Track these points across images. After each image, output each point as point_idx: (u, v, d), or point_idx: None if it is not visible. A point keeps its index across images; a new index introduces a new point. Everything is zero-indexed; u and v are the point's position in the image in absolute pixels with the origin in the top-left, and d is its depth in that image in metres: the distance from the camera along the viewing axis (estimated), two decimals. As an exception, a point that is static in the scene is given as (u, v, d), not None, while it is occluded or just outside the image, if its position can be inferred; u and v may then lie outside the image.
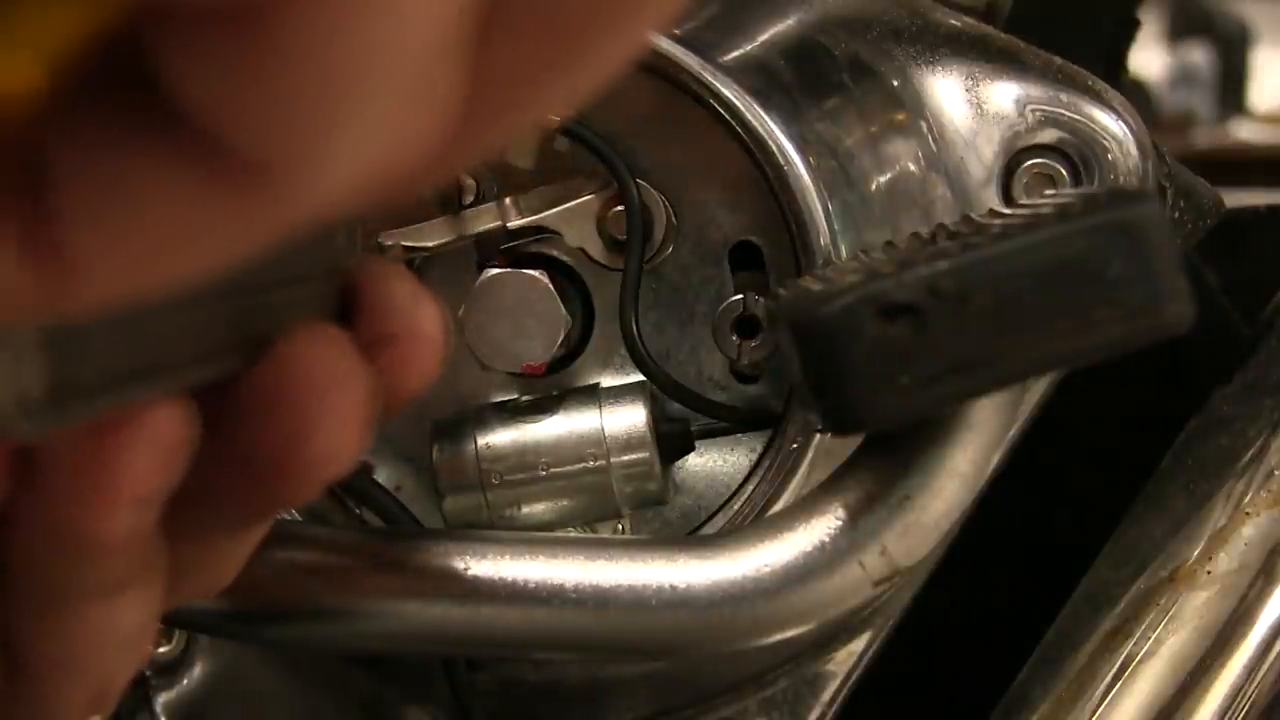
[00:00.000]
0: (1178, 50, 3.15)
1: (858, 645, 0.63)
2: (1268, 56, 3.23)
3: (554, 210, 0.61)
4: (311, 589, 0.53)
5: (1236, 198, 0.69)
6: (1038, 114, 0.61)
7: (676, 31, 0.60)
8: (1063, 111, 0.60)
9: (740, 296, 0.61)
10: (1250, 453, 0.62)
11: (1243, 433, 0.62)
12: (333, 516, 0.62)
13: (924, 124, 0.61)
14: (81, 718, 0.38)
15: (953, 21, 0.62)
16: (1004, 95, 0.61)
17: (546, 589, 0.53)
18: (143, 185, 0.25)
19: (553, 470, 0.61)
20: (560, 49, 0.26)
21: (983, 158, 0.61)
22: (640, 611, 0.53)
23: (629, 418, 0.61)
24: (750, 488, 0.62)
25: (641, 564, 0.53)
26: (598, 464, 0.61)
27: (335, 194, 0.25)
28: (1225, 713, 0.57)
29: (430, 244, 0.61)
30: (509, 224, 0.61)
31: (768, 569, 0.52)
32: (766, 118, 0.59)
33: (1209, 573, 0.59)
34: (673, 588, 0.52)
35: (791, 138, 0.59)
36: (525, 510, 0.62)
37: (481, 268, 0.61)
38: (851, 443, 0.53)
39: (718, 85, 0.59)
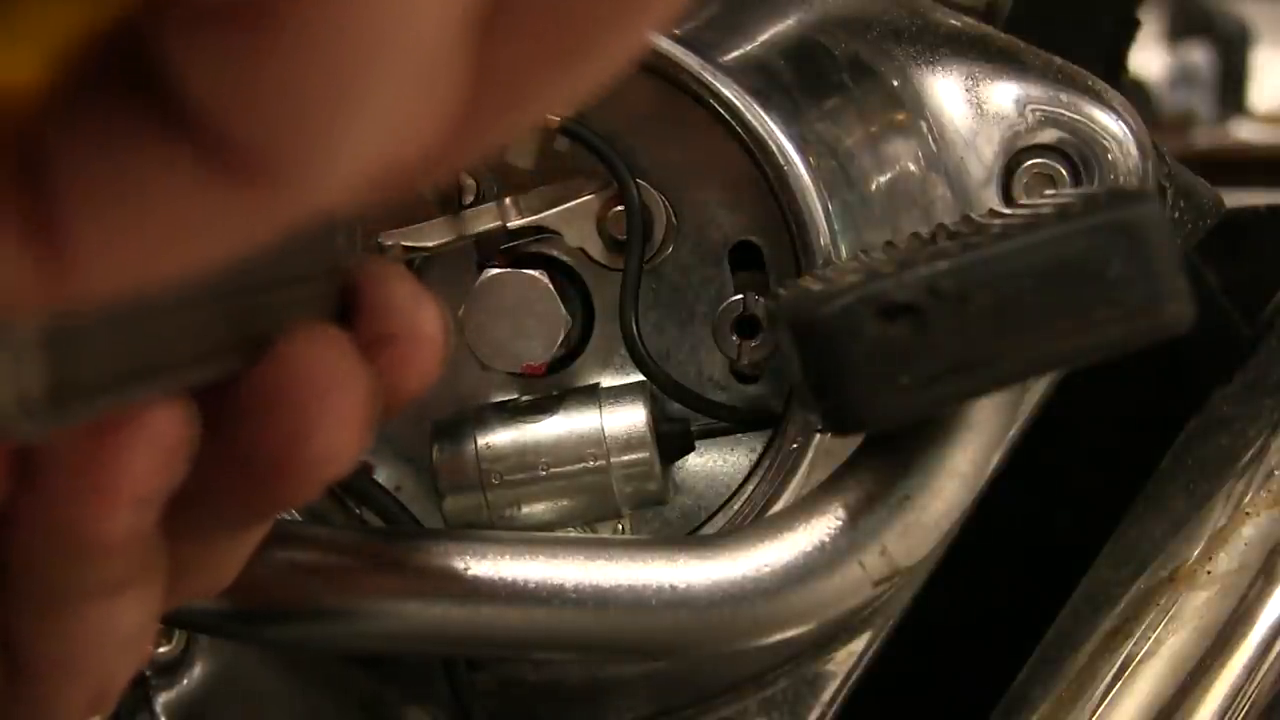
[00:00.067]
0: (1178, 50, 3.15)
1: (858, 645, 0.63)
2: (1268, 56, 3.23)
3: (554, 210, 0.61)
4: (311, 589, 0.53)
5: (1236, 198, 0.69)
6: (1038, 114, 0.61)
7: (676, 31, 0.60)
8: (1063, 111, 0.60)
9: (740, 296, 0.61)
10: (1250, 453, 0.62)
11: (1243, 433, 0.62)
12: (333, 516, 0.62)
13: (924, 124, 0.61)
14: (81, 718, 0.38)
15: (953, 21, 0.62)
16: (1004, 95, 0.61)
17: (546, 589, 0.53)
18: (146, 179, 0.25)
19: (553, 470, 0.61)
20: (563, 47, 0.26)
21: (983, 158, 0.61)
22: (640, 611, 0.53)
23: (629, 418, 0.61)
24: (750, 488, 0.62)
25: (641, 564, 0.53)
26: (598, 464, 0.61)
27: (339, 188, 0.25)
28: (1225, 713, 0.57)
29: (430, 244, 0.61)
30: (509, 224, 0.61)
31: (768, 569, 0.52)
32: (766, 118, 0.59)
33: (1209, 573, 0.59)
34: (673, 588, 0.52)
35: (791, 138, 0.59)
36: (525, 510, 0.62)
37: (481, 268, 0.61)
38: (851, 443, 0.53)
39: (718, 85, 0.59)
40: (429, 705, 0.65)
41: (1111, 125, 0.60)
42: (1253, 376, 0.65)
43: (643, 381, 0.62)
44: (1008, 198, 0.61)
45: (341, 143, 0.24)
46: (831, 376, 0.47)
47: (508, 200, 0.61)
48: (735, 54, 0.61)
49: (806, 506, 0.53)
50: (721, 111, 0.59)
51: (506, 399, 0.63)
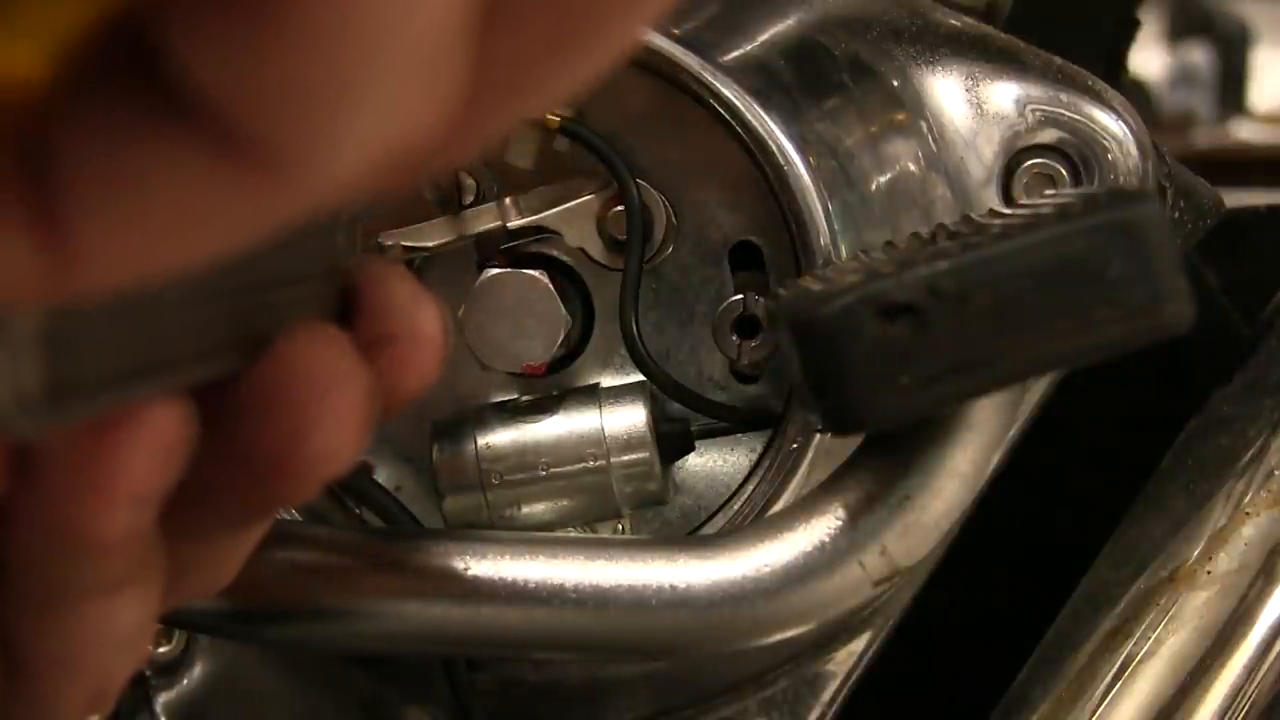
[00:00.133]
0: (1178, 50, 3.15)
1: (858, 645, 0.63)
2: (1268, 56, 3.23)
3: (554, 210, 0.61)
4: (311, 589, 0.53)
5: (1236, 198, 0.69)
6: (1038, 114, 0.61)
7: (676, 31, 0.60)
8: (1063, 111, 0.60)
9: (740, 296, 0.61)
10: (1250, 453, 0.62)
11: (1243, 433, 0.62)
12: (333, 516, 0.62)
13: (924, 124, 0.61)
14: (80, 717, 0.38)
15: (953, 21, 0.62)
16: (1004, 95, 0.61)
17: (546, 589, 0.53)
18: (150, 168, 0.25)
19: (553, 470, 0.61)
20: (562, 37, 0.27)
21: (983, 158, 0.61)
22: (640, 611, 0.53)
23: (629, 418, 0.61)
24: (750, 488, 0.62)
25: (641, 564, 0.53)
26: (598, 464, 0.61)
27: (343, 177, 0.25)
28: (1225, 713, 0.57)
29: (430, 244, 0.61)
30: (509, 224, 0.61)
31: (768, 569, 0.52)
32: (766, 118, 0.59)
33: (1209, 573, 0.59)
34: (673, 588, 0.52)
35: (791, 138, 0.59)
36: (525, 510, 0.62)
37: (481, 268, 0.61)
38: (851, 443, 0.53)
39: (718, 85, 0.59)
40: (429, 705, 0.65)
41: (1111, 125, 0.60)
42: (1253, 376, 0.65)
43: (643, 381, 0.62)
44: (1008, 198, 0.61)
45: (345, 132, 0.24)
46: (831, 376, 0.47)
47: (508, 200, 0.61)
48: (735, 54, 0.61)
49: (806, 506, 0.53)
50: (721, 111, 0.59)
51: (506, 399, 0.63)
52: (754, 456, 0.63)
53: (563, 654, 0.59)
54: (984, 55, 0.62)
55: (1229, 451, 0.62)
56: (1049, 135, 0.61)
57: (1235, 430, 0.63)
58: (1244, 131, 2.99)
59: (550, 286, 0.60)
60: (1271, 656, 0.58)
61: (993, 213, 0.53)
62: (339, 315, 0.37)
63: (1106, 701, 0.58)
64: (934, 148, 0.61)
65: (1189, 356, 0.67)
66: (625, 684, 0.64)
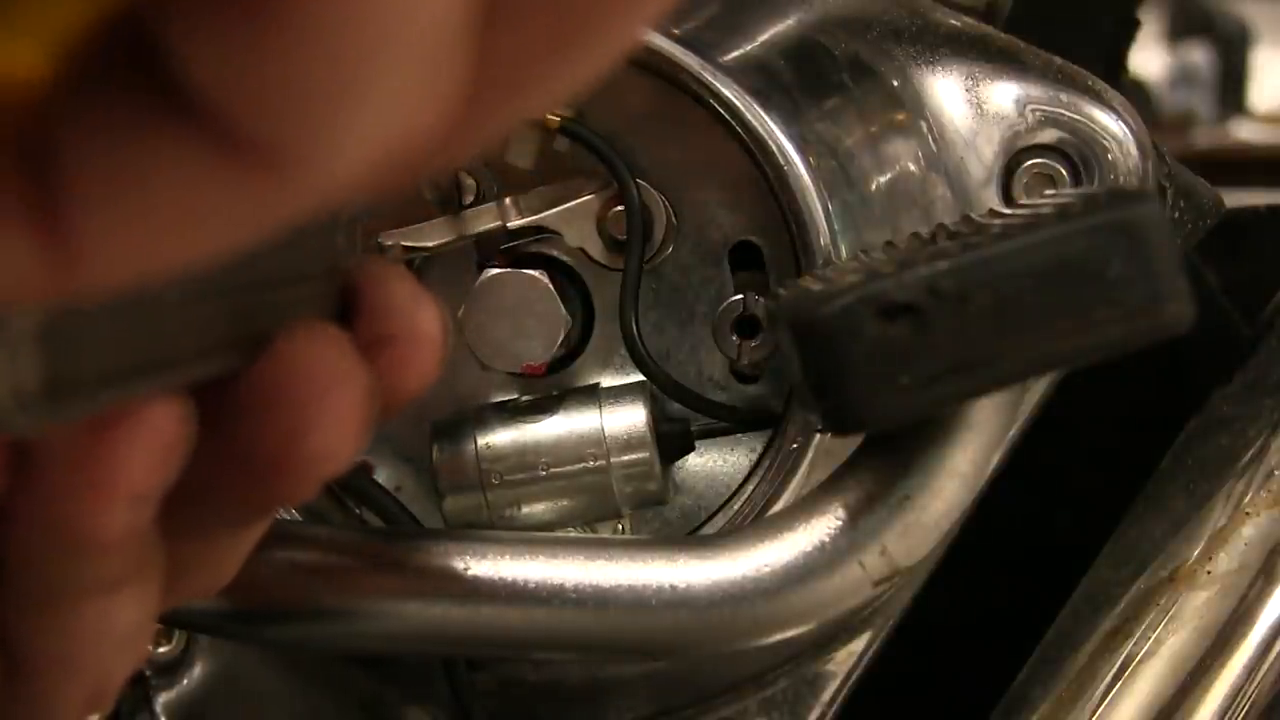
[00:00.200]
0: (1178, 50, 3.15)
1: (858, 645, 0.63)
2: (1268, 56, 3.23)
3: (554, 210, 0.61)
4: (311, 589, 0.53)
5: (1236, 198, 0.69)
6: (1038, 114, 0.61)
7: (676, 31, 0.60)
8: (1063, 111, 0.60)
9: (740, 296, 0.61)
10: (1250, 453, 0.62)
11: (1243, 433, 0.62)
12: (333, 516, 0.62)
13: (924, 124, 0.61)
14: (79, 716, 0.38)
15: (953, 21, 0.62)
16: (1004, 95, 0.61)
17: (546, 589, 0.53)
18: (150, 168, 0.25)
19: (553, 470, 0.61)
20: (563, 35, 0.27)
21: (983, 158, 0.61)
22: (640, 611, 0.53)
23: (629, 418, 0.61)
24: (750, 488, 0.62)
25: (641, 564, 0.53)
26: (598, 464, 0.61)
27: (344, 176, 0.25)
28: (1225, 713, 0.57)
29: (430, 244, 0.61)
30: (509, 224, 0.61)
31: (768, 569, 0.52)
32: (766, 118, 0.59)
33: (1209, 573, 0.59)
34: (673, 588, 0.52)
35: (791, 138, 0.59)
36: (525, 510, 0.62)
37: (481, 268, 0.61)
38: (851, 443, 0.53)
39: (718, 85, 0.59)
40: (429, 705, 0.65)
41: (1111, 125, 0.60)
42: (1253, 376, 0.65)
43: (643, 381, 0.62)
44: (1008, 198, 0.61)
45: (346, 131, 0.24)
46: (831, 376, 0.47)
47: (508, 200, 0.61)
48: (735, 54, 0.61)
49: (806, 506, 0.53)
50: (721, 111, 0.59)
51: (506, 399, 0.63)
52: (754, 456, 0.63)
53: (563, 654, 0.59)
54: (984, 55, 0.62)
55: (1229, 451, 0.62)
56: (1049, 135, 0.61)
57: (1235, 430, 0.63)
58: (1244, 131, 2.99)
59: (550, 286, 0.60)
60: (1271, 656, 0.58)
61: (993, 213, 0.53)
62: (339, 315, 0.37)
63: (1106, 701, 0.58)
64: (934, 148, 0.61)
65: (1189, 356, 0.68)
66: (625, 684, 0.64)
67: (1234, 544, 0.59)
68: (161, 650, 0.66)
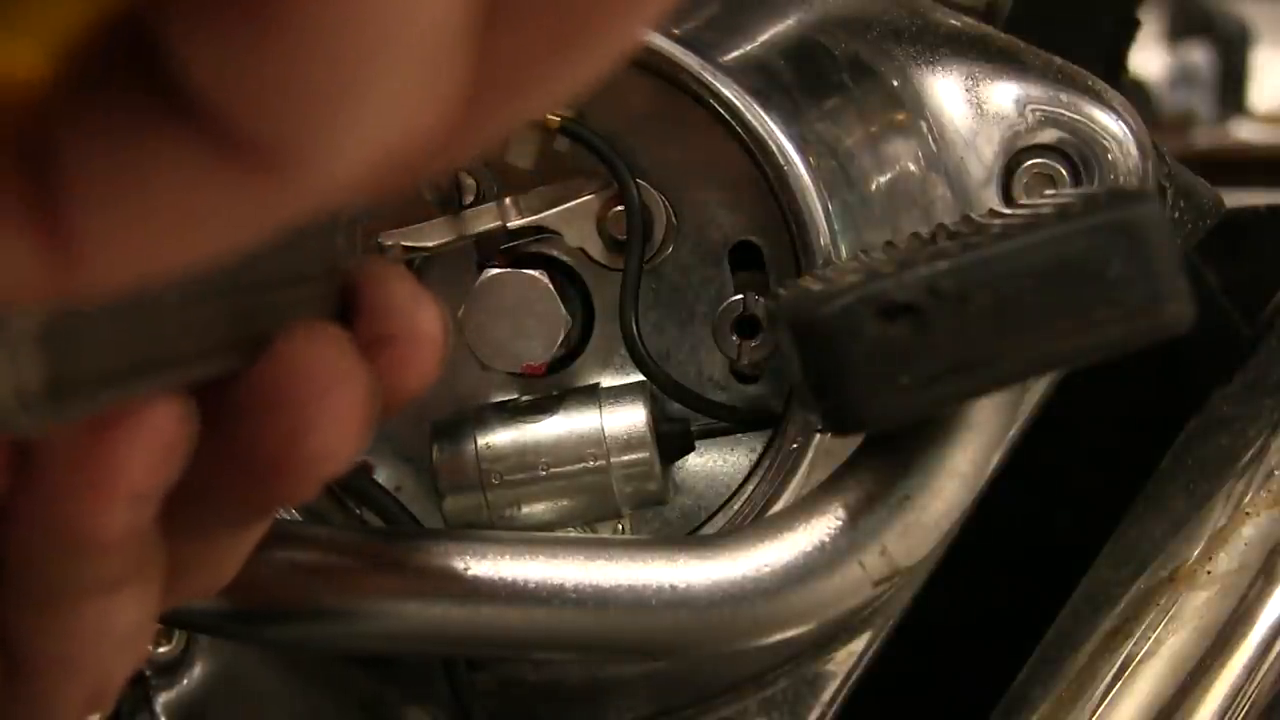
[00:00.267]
0: (1178, 50, 3.15)
1: (858, 645, 0.63)
2: (1268, 56, 3.23)
3: (554, 210, 0.61)
4: (311, 589, 0.53)
5: (1236, 198, 0.69)
6: (1038, 114, 0.61)
7: (676, 31, 0.60)
8: (1063, 111, 0.60)
9: (740, 296, 0.61)
10: (1250, 453, 0.62)
11: (1243, 433, 0.62)
12: (333, 516, 0.62)
13: (924, 124, 0.61)
14: (79, 716, 0.38)
15: (953, 21, 0.62)
16: (1004, 95, 0.61)
17: (546, 589, 0.53)
18: (151, 169, 0.25)
19: (553, 470, 0.61)
20: (563, 36, 0.27)
21: (983, 158, 0.61)
22: (640, 611, 0.53)
23: (629, 418, 0.61)
24: (750, 488, 0.62)
25: (641, 564, 0.53)
26: (598, 464, 0.61)
27: (344, 178, 0.25)
28: (1225, 713, 0.57)
29: (430, 244, 0.61)
30: (509, 224, 0.61)
31: (768, 569, 0.52)
32: (766, 118, 0.59)
33: (1209, 573, 0.59)
34: (673, 588, 0.52)
35: (791, 138, 0.59)
36: (525, 510, 0.62)
37: (481, 268, 0.61)
38: (851, 443, 0.53)
39: (718, 85, 0.59)
40: (429, 705, 0.65)
41: (1111, 125, 0.60)
42: (1253, 376, 0.65)
43: (643, 381, 0.62)
44: (1008, 198, 0.61)
45: (346, 132, 0.24)
46: (831, 376, 0.47)
47: (508, 200, 0.61)
48: (735, 54, 0.61)
49: (806, 506, 0.53)
50: (721, 111, 0.59)
51: (506, 399, 0.63)
52: (754, 456, 0.63)
53: (563, 654, 0.59)
54: (984, 55, 0.62)
55: (1229, 451, 0.62)
56: (1049, 135, 0.61)
57: (1235, 430, 0.63)
58: (1244, 131, 2.99)
59: (550, 286, 0.60)
60: (1271, 656, 0.58)
61: (993, 213, 0.53)
62: (339, 315, 0.37)
63: (1106, 701, 0.58)
64: (934, 148, 0.61)
65: (1189, 356, 0.68)
66: (625, 684, 0.64)
67: (1234, 544, 0.59)
68: (161, 650, 0.66)
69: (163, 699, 0.66)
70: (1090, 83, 0.61)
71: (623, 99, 0.60)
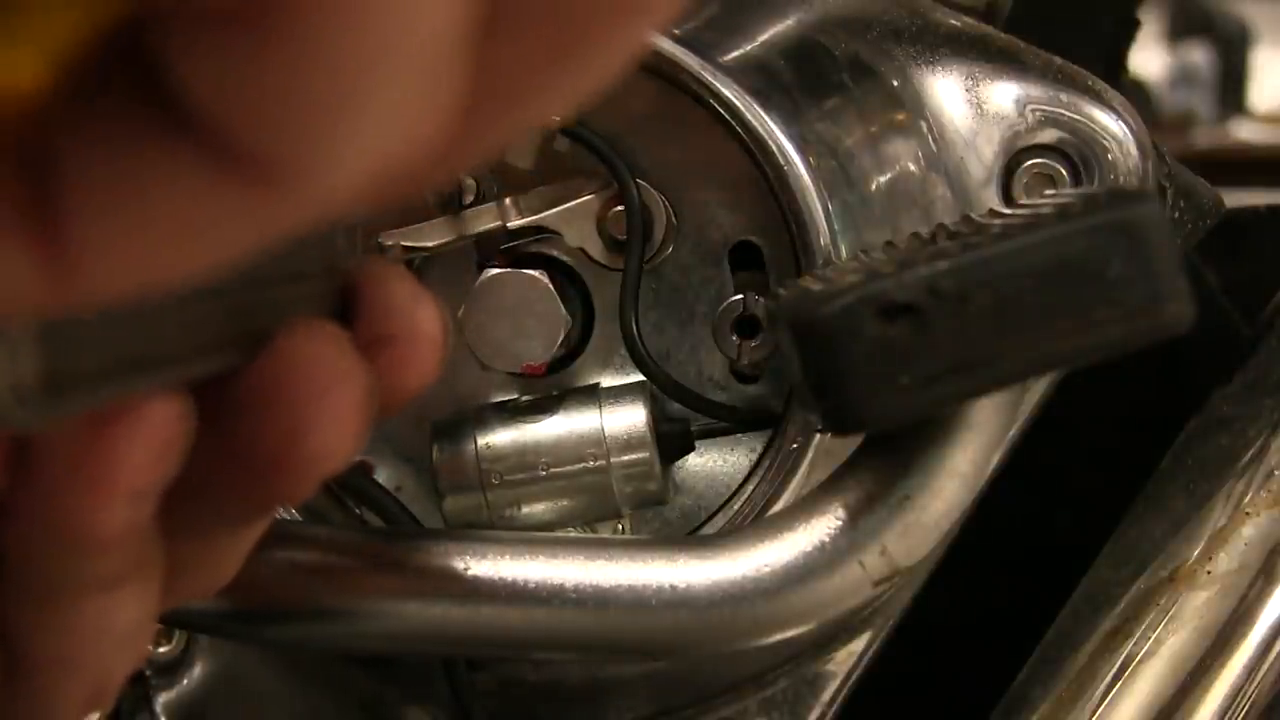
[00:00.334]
0: (1178, 50, 3.15)
1: (858, 645, 0.63)
2: (1268, 56, 3.23)
3: (554, 210, 0.61)
4: (311, 589, 0.53)
5: (1236, 198, 0.69)
6: (1038, 114, 0.61)
7: (676, 31, 0.60)
8: (1063, 111, 0.60)
9: (740, 296, 0.61)
10: (1250, 453, 0.62)
11: (1243, 433, 0.62)
12: (333, 516, 0.62)
13: (924, 124, 0.61)
14: (79, 714, 0.38)
15: (953, 21, 0.62)
16: (1004, 95, 0.61)
17: (546, 589, 0.53)
18: (150, 180, 0.25)
19: (553, 470, 0.61)
20: (563, 46, 0.26)
21: (983, 158, 0.61)
22: (640, 611, 0.53)
23: (629, 418, 0.61)
24: (750, 488, 0.62)
25: (641, 564, 0.53)
26: (598, 464, 0.61)
27: (343, 190, 0.25)
28: (1225, 713, 0.57)
29: (430, 244, 0.61)
30: (509, 224, 0.61)
31: (768, 569, 0.52)
32: (766, 118, 0.59)
33: (1209, 573, 0.59)
34: (673, 588, 0.52)
35: (791, 138, 0.59)
36: (525, 510, 0.62)
37: (481, 268, 0.61)
38: (851, 443, 0.53)
39: (718, 85, 0.59)
40: (429, 705, 0.65)
41: (1111, 125, 0.60)
42: (1253, 376, 0.65)
43: (643, 381, 0.62)
44: (1008, 198, 0.61)
45: (345, 144, 0.24)
46: (831, 376, 0.47)
47: (508, 200, 0.61)
48: (735, 54, 0.61)
49: (806, 506, 0.53)
50: (721, 111, 0.59)
51: (506, 399, 0.63)
52: (754, 456, 0.63)
53: (563, 654, 0.59)
54: (984, 55, 0.62)
55: (1229, 451, 0.62)
56: (1049, 135, 0.61)
57: (1235, 430, 0.63)
58: (1244, 131, 2.99)
59: (550, 286, 0.60)
60: (1271, 656, 0.58)
61: (993, 213, 0.53)
62: (339, 315, 0.37)
63: (1106, 701, 0.58)
64: (934, 148, 0.61)
65: (1189, 356, 0.68)
66: (625, 684, 0.64)
67: (1234, 544, 0.59)
68: (161, 650, 0.66)
69: (163, 699, 0.66)
70: (1090, 83, 0.61)
71: (623, 99, 0.60)
